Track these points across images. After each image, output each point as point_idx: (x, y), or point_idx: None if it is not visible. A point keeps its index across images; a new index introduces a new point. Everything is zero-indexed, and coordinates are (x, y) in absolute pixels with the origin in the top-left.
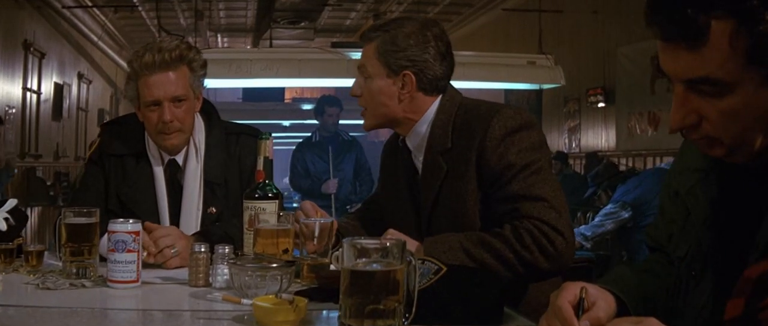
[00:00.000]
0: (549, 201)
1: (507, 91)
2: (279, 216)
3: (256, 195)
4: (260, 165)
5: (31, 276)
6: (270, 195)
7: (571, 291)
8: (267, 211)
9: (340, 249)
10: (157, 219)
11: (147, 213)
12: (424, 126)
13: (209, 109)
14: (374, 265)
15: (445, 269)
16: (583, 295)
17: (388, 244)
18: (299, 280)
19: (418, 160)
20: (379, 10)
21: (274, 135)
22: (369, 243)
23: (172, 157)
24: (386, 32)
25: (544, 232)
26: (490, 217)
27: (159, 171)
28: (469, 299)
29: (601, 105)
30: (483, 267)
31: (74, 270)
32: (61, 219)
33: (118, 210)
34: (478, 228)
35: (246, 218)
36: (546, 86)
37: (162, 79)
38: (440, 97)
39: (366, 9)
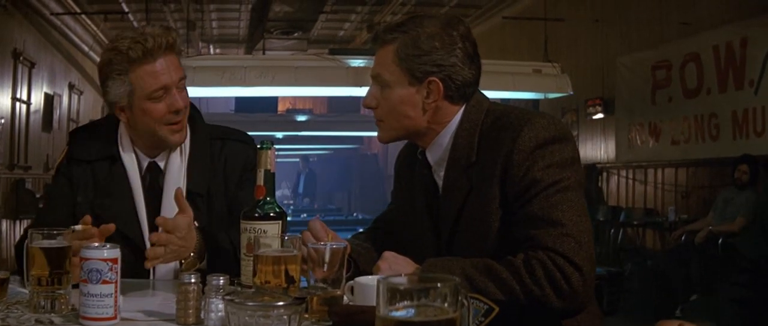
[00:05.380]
0: (568, 228)
1: (503, 101)
2: (283, 239)
3: (256, 215)
4: (260, 180)
5: None
6: (272, 214)
7: None
8: (269, 234)
9: (355, 283)
10: (138, 230)
11: (125, 223)
12: (446, 137)
13: (193, 112)
14: (421, 312)
15: (496, 309)
16: None
17: (439, 285)
18: (308, 316)
19: (439, 176)
20: (374, 20)
21: None
22: (411, 284)
23: (153, 160)
24: (405, 34)
25: (558, 266)
26: (511, 241)
27: (135, 176)
28: None
29: (600, 116)
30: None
31: (42, 303)
32: (27, 243)
33: (93, 224)
34: (496, 251)
35: (244, 241)
36: (551, 95)
37: (167, 63)
38: (465, 104)
39: (360, 19)
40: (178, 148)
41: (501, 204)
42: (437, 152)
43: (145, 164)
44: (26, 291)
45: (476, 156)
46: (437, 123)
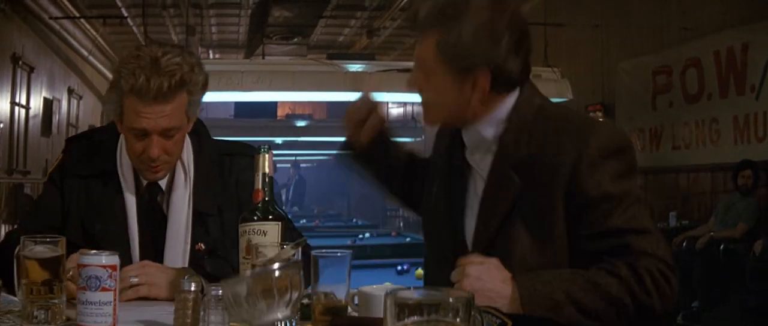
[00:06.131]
0: (656, 234)
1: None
2: (282, 246)
3: (255, 218)
4: (259, 183)
5: None
6: (270, 217)
7: None
8: (268, 235)
9: (359, 292)
10: (127, 252)
11: (114, 243)
12: (485, 123)
13: (198, 127)
14: None
15: (510, 323)
16: None
17: (451, 300)
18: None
19: (474, 160)
20: (373, 25)
21: None
22: (421, 297)
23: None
24: (448, 25)
25: (662, 271)
26: (582, 253)
27: (131, 195)
28: None
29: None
30: (595, 318)
31: (35, 313)
32: (19, 251)
33: (82, 243)
34: (565, 263)
35: (242, 245)
36: (552, 100)
37: (154, 111)
38: (517, 93)
39: (360, 25)
40: (182, 167)
41: (566, 214)
42: (474, 137)
43: (145, 182)
44: (15, 298)
45: (527, 152)
46: (483, 112)
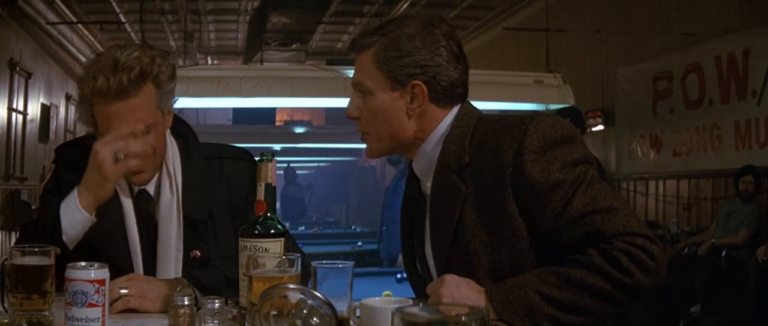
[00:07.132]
0: (623, 210)
1: (502, 113)
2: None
3: (256, 232)
4: (261, 194)
5: None
6: (273, 231)
7: None
8: (270, 252)
9: (362, 305)
10: (127, 258)
11: (118, 255)
12: (431, 144)
13: (184, 131)
14: None
15: None
16: None
17: (464, 317)
18: None
19: (427, 187)
20: None
21: None
22: (431, 314)
23: (142, 187)
24: (384, 36)
25: (639, 246)
26: (558, 250)
27: (127, 201)
28: None
29: (600, 127)
30: (578, 312)
31: (24, 325)
32: (6, 260)
33: (80, 247)
34: (528, 260)
35: (243, 260)
36: (553, 106)
37: (122, 109)
38: (456, 109)
39: (358, 32)
40: (167, 173)
41: (519, 209)
42: (423, 161)
43: (135, 190)
44: (2, 309)
45: (469, 157)
46: (423, 130)
